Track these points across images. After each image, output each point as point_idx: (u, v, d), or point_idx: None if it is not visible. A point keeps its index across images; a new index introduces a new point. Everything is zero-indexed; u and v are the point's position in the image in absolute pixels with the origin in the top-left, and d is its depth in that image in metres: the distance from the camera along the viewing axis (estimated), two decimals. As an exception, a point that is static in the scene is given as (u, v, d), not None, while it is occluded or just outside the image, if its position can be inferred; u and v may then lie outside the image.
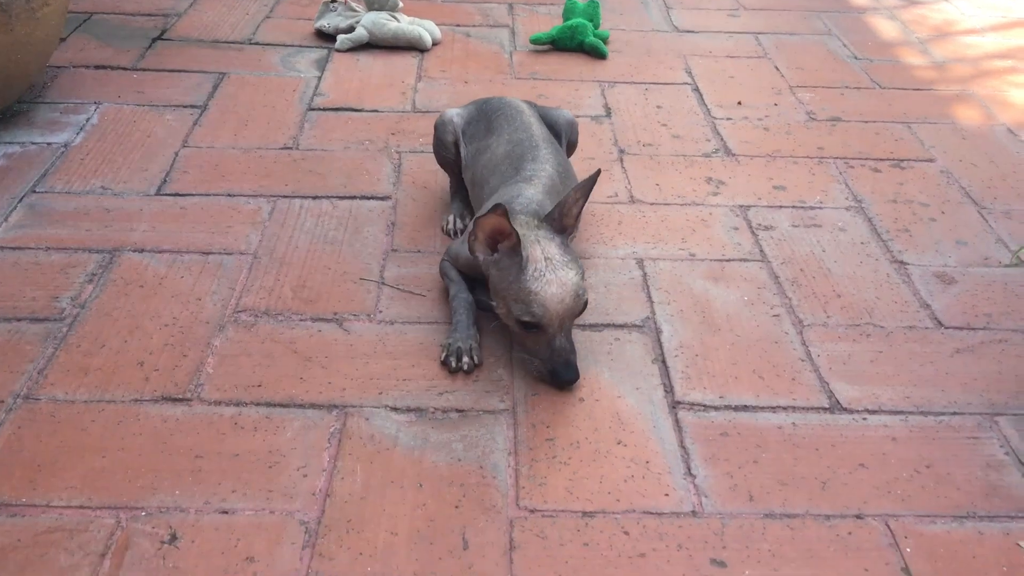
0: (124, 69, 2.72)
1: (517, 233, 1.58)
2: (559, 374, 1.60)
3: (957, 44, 3.16)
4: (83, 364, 1.65)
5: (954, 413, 1.63)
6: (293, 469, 1.46)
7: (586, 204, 2.02)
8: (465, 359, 1.66)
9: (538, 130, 1.96)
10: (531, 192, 1.77)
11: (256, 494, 1.42)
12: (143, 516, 1.38)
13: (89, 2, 3.13)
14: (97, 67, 2.72)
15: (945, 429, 1.59)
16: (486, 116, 2.04)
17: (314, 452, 1.50)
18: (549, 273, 1.58)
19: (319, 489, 1.43)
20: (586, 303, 1.63)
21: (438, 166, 2.16)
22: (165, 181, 2.19)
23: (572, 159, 2.21)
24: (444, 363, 1.67)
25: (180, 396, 1.59)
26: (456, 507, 1.42)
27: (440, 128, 2.08)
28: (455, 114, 2.09)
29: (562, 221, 1.67)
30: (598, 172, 1.69)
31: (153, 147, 2.33)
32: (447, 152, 2.08)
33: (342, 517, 1.39)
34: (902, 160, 2.41)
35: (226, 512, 1.39)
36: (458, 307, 1.75)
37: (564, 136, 2.09)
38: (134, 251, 1.94)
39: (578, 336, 1.73)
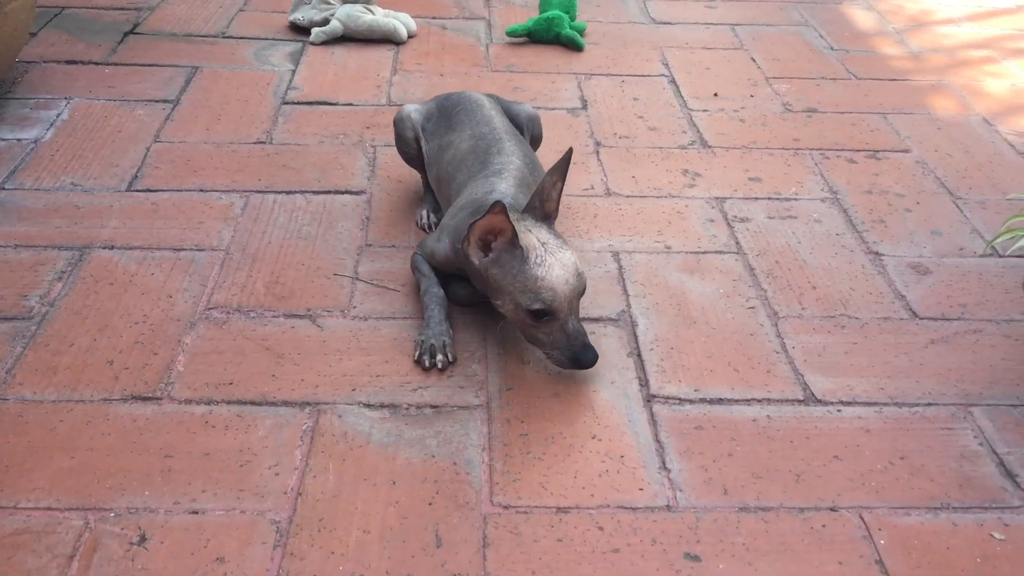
0: (95, 64, 2.69)
1: (514, 227, 1.56)
2: (579, 358, 1.57)
3: (933, 34, 3.16)
4: (52, 363, 1.63)
5: (928, 404, 1.63)
6: (264, 468, 1.45)
7: (563, 192, 2.00)
8: (439, 356, 1.65)
9: (500, 123, 1.94)
10: (503, 186, 1.75)
11: (227, 494, 1.40)
12: (112, 517, 1.36)
13: (60, -4, 3.10)
14: (68, 62, 2.69)
15: (919, 420, 1.59)
16: (446, 112, 2.01)
17: (286, 450, 1.48)
18: (549, 257, 1.57)
19: (291, 488, 1.42)
20: (586, 282, 1.62)
21: (408, 162, 2.15)
22: (136, 177, 2.17)
23: (547, 151, 2.19)
24: (418, 361, 1.65)
25: (150, 395, 1.57)
26: (429, 504, 1.41)
27: (399, 124, 2.06)
28: (413, 110, 2.06)
29: (544, 208, 1.65)
30: (570, 151, 1.67)
31: (124, 143, 2.30)
32: (409, 148, 2.06)
33: (314, 516, 1.37)
34: (878, 151, 2.41)
35: (196, 512, 1.37)
36: (430, 303, 1.73)
37: (527, 131, 2.07)
38: (104, 248, 1.92)
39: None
